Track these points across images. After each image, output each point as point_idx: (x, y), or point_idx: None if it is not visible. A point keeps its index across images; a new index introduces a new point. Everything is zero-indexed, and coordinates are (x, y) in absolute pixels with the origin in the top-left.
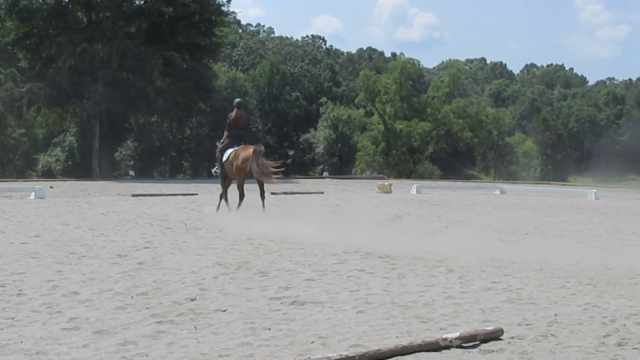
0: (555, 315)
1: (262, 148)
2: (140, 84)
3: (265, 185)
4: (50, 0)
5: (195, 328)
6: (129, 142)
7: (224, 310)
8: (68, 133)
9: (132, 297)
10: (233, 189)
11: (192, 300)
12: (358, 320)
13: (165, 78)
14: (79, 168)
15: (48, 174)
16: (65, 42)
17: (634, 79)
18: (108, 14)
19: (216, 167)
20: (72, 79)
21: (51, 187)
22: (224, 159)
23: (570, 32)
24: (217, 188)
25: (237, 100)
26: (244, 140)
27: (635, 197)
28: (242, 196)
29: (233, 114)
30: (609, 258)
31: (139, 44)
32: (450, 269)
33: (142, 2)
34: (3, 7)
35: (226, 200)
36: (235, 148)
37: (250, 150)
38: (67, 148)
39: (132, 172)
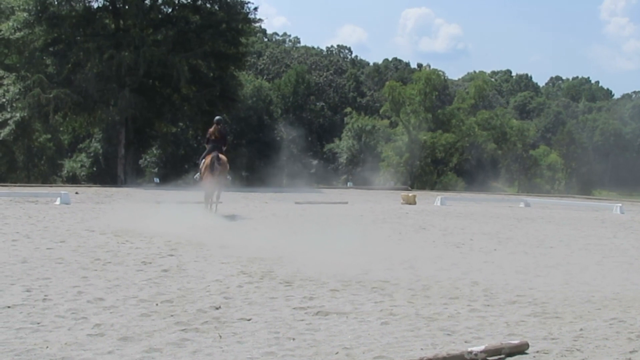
0: (581, 329)
1: (217, 154)
2: (166, 92)
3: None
4: (78, 7)
5: (220, 337)
6: (154, 149)
7: (249, 320)
8: (93, 139)
9: (156, 305)
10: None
11: (217, 308)
12: (382, 332)
13: (191, 86)
14: (103, 174)
15: (73, 180)
16: (93, 49)
17: None
18: (136, 22)
19: (196, 174)
20: (98, 85)
21: (76, 192)
22: (200, 166)
23: (596, 45)
24: (240, 197)
25: (216, 117)
26: (217, 151)
27: None
28: (215, 198)
29: (212, 129)
30: (635, 273)
31: (166, 51)
32: (475, 281)
33: (170, 10)
34: (32, 13)
35: (206, 203)
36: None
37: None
38: (92, 154)
39: (157, 179)
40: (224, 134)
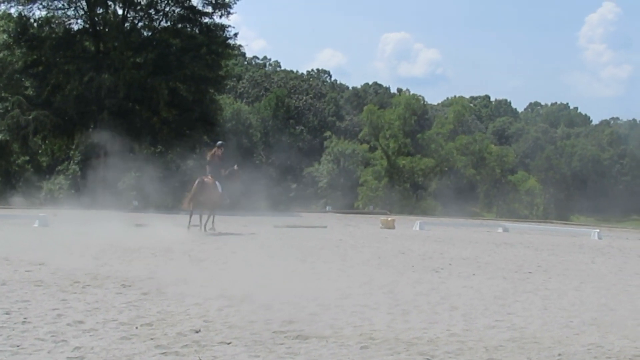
0: (559, 355)
1: (202, 179)
2: (146, 115)
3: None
4: (58, 29)
5: None
6: (132, 172)
7: (229, 343)
8: (72, 161)
9: (136, 328)
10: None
11: (197, 332)
12: (362, 356)
13: (170, 109)
14: (82, 197)
15: (51, 202)
16: (73, 71)
17: (638, 119)
18: (116, 44)
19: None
20: (78, 107)
21: (55, 215)
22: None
23: (574, 71)
24: (219, 220)
25: (219, 142)
26: (209, 175)
27: (638, 237)
28: (204, 219)
29: (212, 151)
30: (613, 298)
31: (146, 74)
32: (454, 306)
33: (150, 33)
34: (12, 35)
35: (189, 223)
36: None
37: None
38: (70, 176)
39: (135, 202)
40: (222, 157)
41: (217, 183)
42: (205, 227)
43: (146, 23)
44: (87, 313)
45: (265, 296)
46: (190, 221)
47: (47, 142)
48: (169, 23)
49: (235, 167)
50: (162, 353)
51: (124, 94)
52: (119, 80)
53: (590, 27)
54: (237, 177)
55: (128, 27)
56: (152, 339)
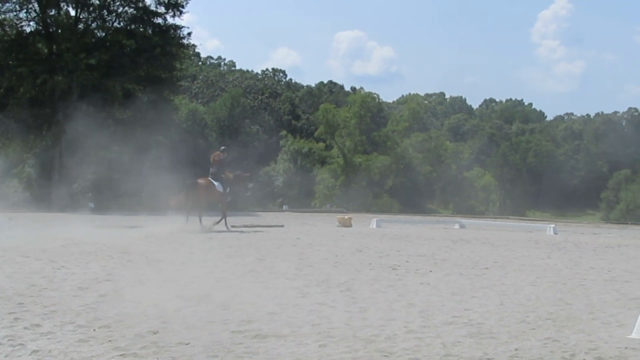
0: (516, 349)
1: (194, 181)
2: (101, 116)
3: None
4: (10, 31)
5: None
6: (88, 174)
7: (187, 344)
8: (26, 164)
9: (94, 330)
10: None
11: (155, 333)
12: (320, 354)
13: (125, 110)
14: (37, 200)
15: (5, 206)
16: (26, 74)
17: (592, 114)
18: (69, 46)
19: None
20: (32, 110)
21: (10, 218)
22: None
23: (528, 68)
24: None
25: (222, 147)
26: (213, 175)
27: (593, 232)
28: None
29: (213, 154)
30: (569, 293)
31: (100, 75)
32: (411, 303)
33: (104, 34)
34: None
35: (184, 218)
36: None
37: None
38: (25, 179)
39: (91, 204)
40: (221, 160)
41: (216, 183)
42: (202, 224)
43: (99, 24)
44: (44, 316)
45: (223, 296)
46: (187, 219)
47: (1, 145)
48: (122, 24)
49: (247, 173)
50: (120, 355)
51: (78, 95)
52: (72, 82)
53: (543, 23)
54: (243, 181)
55: (81, 29)
56: (110, 340)
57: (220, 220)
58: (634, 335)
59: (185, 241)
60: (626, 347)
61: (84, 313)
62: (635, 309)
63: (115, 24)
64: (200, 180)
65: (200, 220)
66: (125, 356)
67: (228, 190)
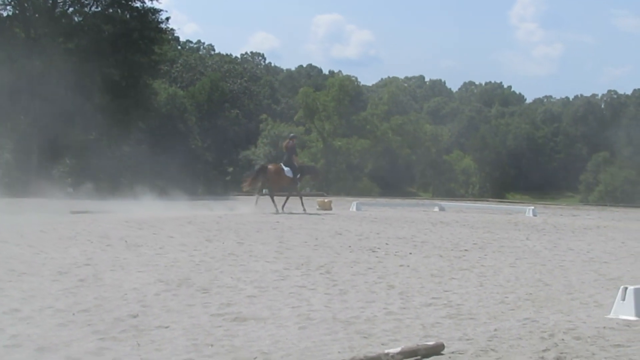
0: (495, 330)
1: (263, 165)
2: (79, 101)
3: (293, 193)
4: None
5: (138, 344)
6: (67, 159)
7: (167, 327)
8: (5, 149)
9: (73, 314)
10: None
11: (135, 317)
12: (300, 336)
13: (104, 95)
14: (16, 184)
15: None
16: (3, 58)
17: (571, 97)
18: (47, 30)
19: None
20: (9, 95)
21: None
22: None
23: (507, 50)
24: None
25: (291, 134)
26: (284, 161)
27: (571, 213)
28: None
29: (284, 142)
30: (547, 274)
31: (78, 60)
32: (391, 285)
33: (82, 19)
34: None
35: (255, 202)
36: None
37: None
38: (3, 164)
39: (70, 189)
40: (290, 147)
41: (285, 169)
42: (283, 208)
43: (77, 8)
44: (23, 301)
45: (202, 280)
46: (257, 201)
47: None
48: (99, 8)
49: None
50: (100, 339)
51: (56, 80)
52: (50, 67)
53: (521, 5)
54: (315, 173)
55: (59, 13)
56: (89, 325)
57: (303, 206)
58: (611, 315)
59: (164, 225)
60: (604, 327)
61: (63, 297)
62: (613, 289)
63: (94, 9)
64: (270, 166)
65: (273, 201)
66: (105, 340)
67: (298, 176)
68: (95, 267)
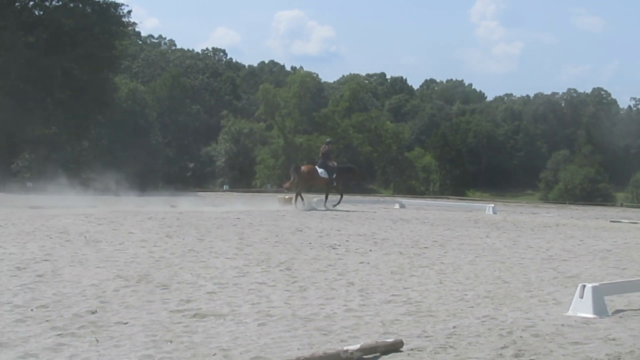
0: (454, 327)
1: (298, 166)
2: (39, 95)
3: (326, 190)
4: None
5: (97, 341)
6: (26, 153)
7: (126, 323)
8: None
9: (31, 310)
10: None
11: (93, 313)
12: (260, 333)
13: (64, 89)
14: None
15: None
16: None
17: (532, 95)
18: (6, 24)
19: None
20: None
21: None
22: None
23: (468, 48)
24: (116, 200)
25: (327, 139)
26: (320, 165)
27: (531, 211)
28: (295, 198)
29: (322, 147)
30: (506, 271)
31: (38, 54)
32: (350, 282)
33: (42, 13)
34: None
35: (296, 201)
36: None
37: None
38: None
39: (30, 184)
40: (325, 152)
41: (319, 170)
42: (325, 205)
43: (37, 2)
44: None
45: (162, 276)
46: (296, 200)
47: None
48: (60, 2)
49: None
50: (58, 334)
51: (15, 74)
52: (10, 61)
53: (482, 4)
54: (355, 175)
55: (19, 7)
56: (47, 320)
57: (338, 203)
58: (570, 313)
59: (124, 221)
60: (563, 325)
61: (22, 293)
62: (572, 287)
63: (54, 2)
64: (304, 167)
65: (302, 198)
66: (63, 336)
67: (334, 176)
68: (54, 262)
